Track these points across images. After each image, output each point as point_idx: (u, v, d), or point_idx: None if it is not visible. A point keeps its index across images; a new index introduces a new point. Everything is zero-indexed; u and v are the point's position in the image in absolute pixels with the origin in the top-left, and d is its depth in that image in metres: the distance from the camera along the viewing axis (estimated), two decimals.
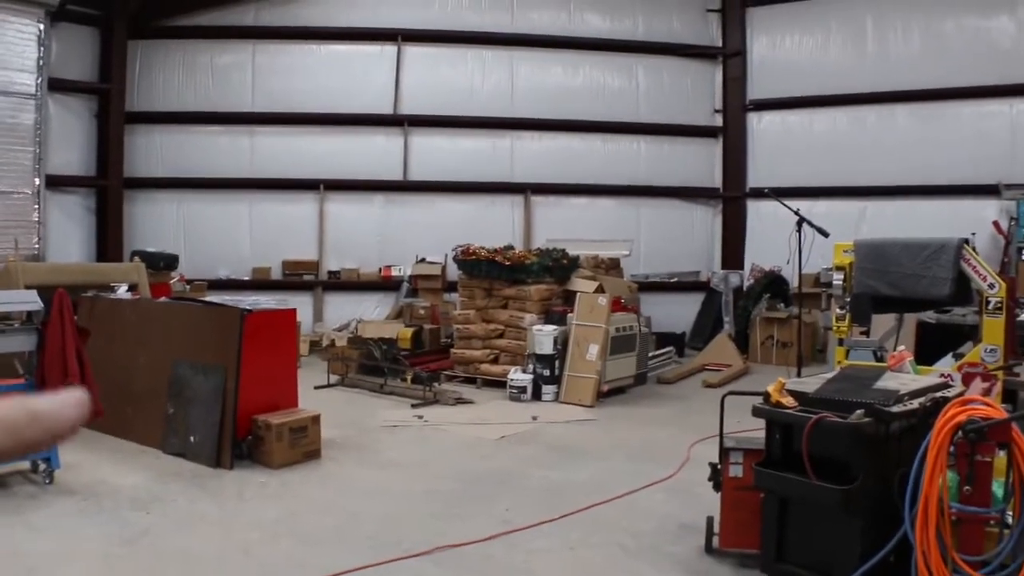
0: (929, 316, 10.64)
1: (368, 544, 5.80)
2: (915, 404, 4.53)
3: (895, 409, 4.41)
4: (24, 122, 13.33)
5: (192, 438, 7.83)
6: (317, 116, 15.79)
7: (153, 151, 15.76)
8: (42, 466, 6.99)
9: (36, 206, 13.44)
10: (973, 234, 9.35)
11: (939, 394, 4.73)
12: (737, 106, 16.49)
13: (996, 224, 13.70)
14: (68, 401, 0.98)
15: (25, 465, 7.11)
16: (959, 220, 12.15)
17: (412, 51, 16.14)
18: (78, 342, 6.85)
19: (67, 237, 14.66)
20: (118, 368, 8.48)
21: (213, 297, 9.83)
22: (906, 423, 4.49)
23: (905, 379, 5.19)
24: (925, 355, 7.93)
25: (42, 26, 13.42)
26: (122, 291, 9.62)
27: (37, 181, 13.43)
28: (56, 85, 14.13)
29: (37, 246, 13.42)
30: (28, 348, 6.83)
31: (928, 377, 5.60)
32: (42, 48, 13.39)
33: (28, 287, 8.01)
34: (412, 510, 6.60)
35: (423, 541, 5.82)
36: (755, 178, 16.17)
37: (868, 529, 4.41)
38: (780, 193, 11.13)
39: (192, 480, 7.22)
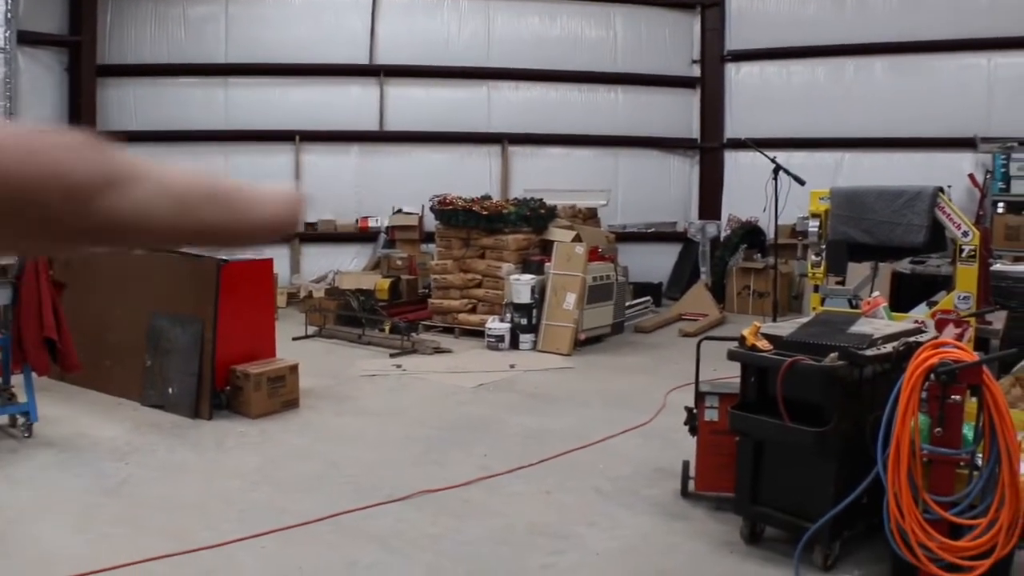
0: (904, 266, 10.72)
1: (348, 490, 5.85)
2: (888, 348, 4.58)
3: (869, 352, 4.47)
4: None
5: (170, 389, 7.83)
6: (292, 67, 15.59)
7: (126, 104, 15.55)
8: (20, 419, 6.98)
9: None
10: (949, 186, 9.39)
11: (912, 339, 4.78)
12: (715, 57, 16.39)
13: (972, 177, 13.75)
14: (275, 193, 0.93)
15: (3, 419, 7.10)
16: (935, 173, 12.16)
17: (387, 0, 15.97)
18: (54, 295, 6.80)
19: None
20: (95, 321, 8.44)
21: (188, 249, 9.76)
22: (879, 367, 4.55)
23: (879, 324, 5.25)
24: (900, 304, 8.02)
25: None
26: None
27: None
28: (25, 38, 13.84)
29: None
30: (3, 302, 6.77)
31: (902, 323, 5.66)
32: (10, 1, 13.13)
33: None
34: (391, 457, 6.65)
35: (403, 486, 5.87)
36: (733, 129, 16.12)
37: (841, 471, 4.48)
38: (758, 144, 11.13)
39: (171, 431, 7.24)
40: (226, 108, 15.68)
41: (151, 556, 4.73)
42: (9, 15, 13.08)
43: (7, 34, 13.10)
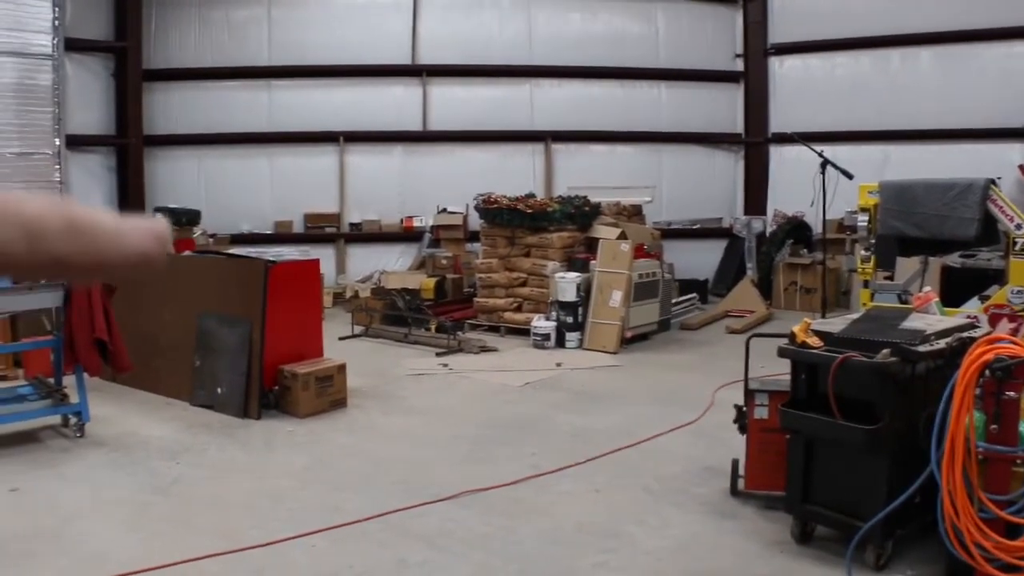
0: (954, 260, 10.56)
1: (397, 489, 5.88)
2: (941, 344, 4.51)
3: (921, 349, 4.40)
4: (42, 83, 13.27)
5: (219, 389, 7.91)
6: (334, 68, 15.68)
7: (172, 108, 15.71)
8: (72, 419, 7.09)
9: (57, 166, 13.42)
10: (999, 178, 9.22)
11: (965, 334, 4.71)
12: (758, 50, 16.26)
13: (1022, 168, 13.51)
14: (138, 227, 0.91)
15: (56, 419, 7.21)
16: (984, 164, 11.95)
17: (428, 0, 16.01)
18: (104, 297, 6.89)
19: (89, 196, 14.62)
20: (145, 322, 8.55)
21: (236, 251, 9.86)
22: (932, 363, 4.47)
23: (931, 320, 5.18)
24: (950, 299, 7.90)
25: None
26: None
27: (57, 141, 13.41)
28: (72, 45, 14.03)
29: None
30: (55, 304, 6.88)
31: (954, 318, 5.58)
32: (57, 8, 13.28)
33: None
34: (439, 455, 6.67)
35: (451, 485, 5.89)
36: (777, 123, 16.00)
37: (894, 469, 4.42)
38: (803, 138, 11.02)
39: (221, 430, 7.31)
40: (270, 110, 15.81)
41: (202, 555, 4.78)
42: (57, 23, 13.27)
43: (55, 41, 13.29)
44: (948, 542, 4.00)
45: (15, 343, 8.44)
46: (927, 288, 6.61)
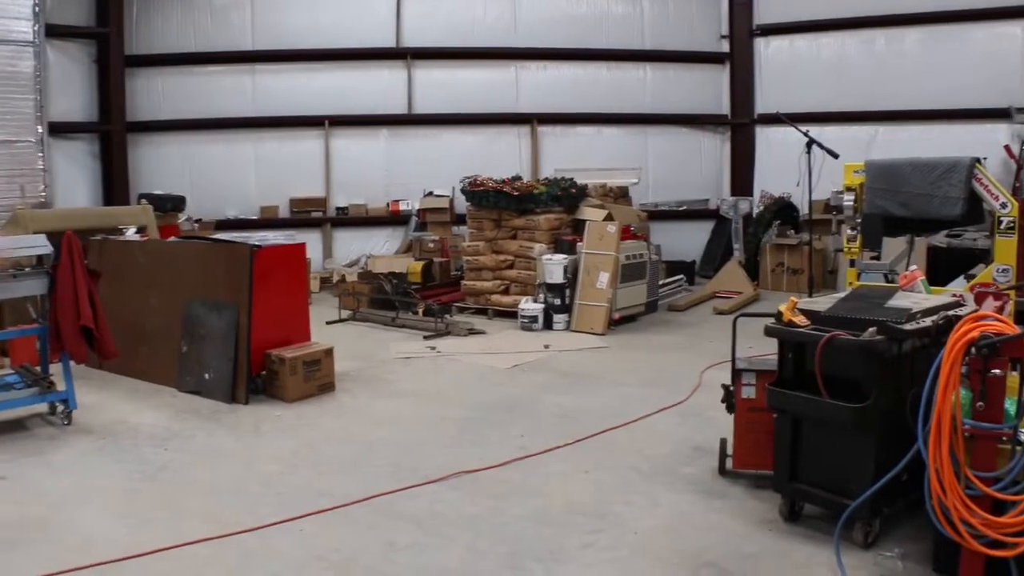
0: (940, 240, 10.61)
1: (385, 472, 5.88)
2: (928, 322, 4.52)
3: (908, 327, 4.41)
4: (23, 70, 13.18)
5: (207, 375, 7.89)
6: (319, 52, 15.61)
7: (155, 94, 15.61)
8: (59, 407, 7.06)
9: (40, 154, 13.34)
10: (984, 158, 9.25)
11: (951, 312, 4.72)
12: (744, 31, 16.23)
13: (1008, 148, 13.53)
14: None
15: (43, 407, 7.18)
16: (970, 144, 11.91)
17: None
18: (90, 284, 6.85)
19: (73, 184, 14.58)
20: (131, 309, 8.52)
21: (222, 236, 9.82)
22: (919, 341, 4.49)
23: (917, 298, 5.18)
24: (937, 278, 7.93)
25: None
26: (131, 233, 9.62)
27: (40, 129, 13.33)
28: (54, 31, 13.91)
29: (44, 194, 13.35)
30: (40, 292, 6.84)
31: (940, 297, 5.59)
32: None
33: (37, 234, 7.99)
34: (428, 438, 6.67)
35: (440, 467, 5.90)
36: (763, 104, 16.01)
37: (881, 447, 4.44)
38: (789, 118, 11.01)
39: (209, 416, 7.30)
40: (254, 95, 15.75)
41: (191, 540, 4.78)
42: (37, 8, 13.17)
43: (35, 28, 13.21)
44: (935, 519, 4.01)
45: (1, 331, 8.39)
46: (913, 267, 6.62)
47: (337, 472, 5.94)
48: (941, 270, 9.21)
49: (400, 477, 5.76)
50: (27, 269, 6.86)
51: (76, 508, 5.33)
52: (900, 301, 4.93)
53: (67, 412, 6.99)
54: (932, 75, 14.30)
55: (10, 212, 10.96)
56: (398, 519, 5.11)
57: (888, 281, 7.88)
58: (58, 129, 14.05)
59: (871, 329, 4.38)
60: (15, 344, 8.53)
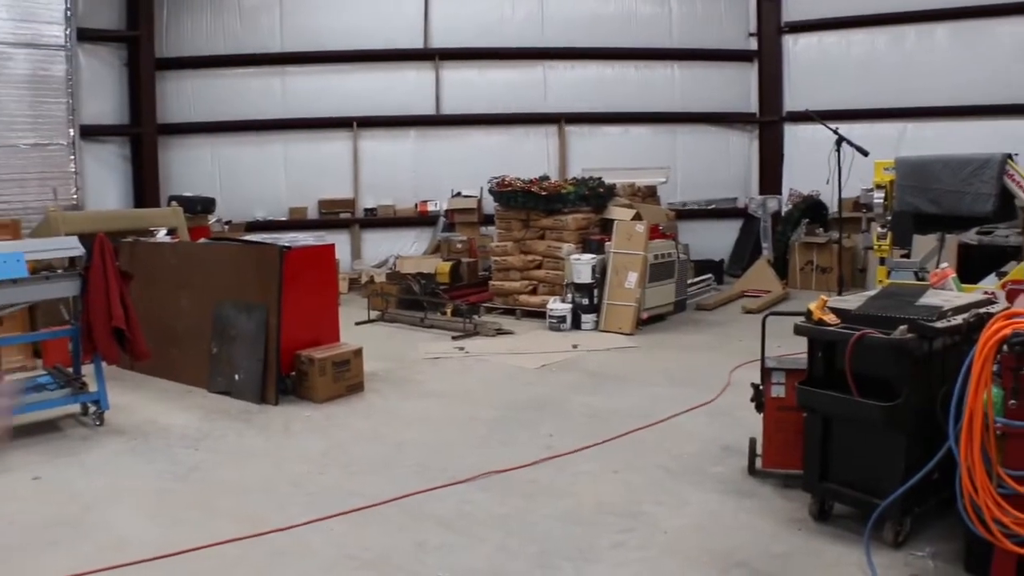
0: (971, 237, 10.51)
1: (414, 472, 5.90)
2: (959, 320, 4.49)
3: (939, 325, 4.38)
4: (55, 74, 13.33)
5: (237, 376, 7.94)
6: (347, 53, 15.68)
7: (185, 96, 15.74)
8: (92, 408, 7.13)
9: (72, 157, 13.48)
10: (1016, 154, 9.13)
11: (983, 310, 4.68)
12: (772, 29, 16.14)
13: None
14: None
15: (76, 408, 7.26)
16: (1000, 141, 11.77)
17: None
18: (121, 286, 6.91)
19: (104, 186, 14.74)
20: (161, 310, 8.59)
21: (251, 237, 9.88)
22: (950, 339, 4.46)
23: (948, 296, 5.15)
24: (968, 276, 7.86)
25: None
26: (162, 235, 9.70)
27: (72, 132, 13.47)
28: (85, 35, 14.06)
29: (75, 196, 13.49)
30: (72, 294, 6.90)
31: (972, 294, 5.54)
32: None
33: (69, 236, 8.07)
34: (456, 438, 6.69)
35: (469, 468, 5.91)
36: (792, 102, 15.91)
37: (912, 446, 4.41)
38: (818, 116, 10.94)
39: (239, 416, 7.35)
40: (283, 97, 15.83)
41: (222, 540, 4.81)
42: (69, 13, 13.31)
43: (67, 32, 13.34)
44: (967, 518, 3.98)
45: (34, 333, 8.49)
46: (944, 264, 6.57)
47: (367, 472, 5.96)
48: (972, 267, 9.13)
49: (429, 477, 5.77)
50: (59, 271, 6.93)
51: (109, 508, 5.38)
52: (931, 299, 4.90)
53: (99, 413, 7.06)
54: (962, 71, 14.17)
55: (43, 214, 11.09)
56: (428, 519, 5.12)
57: (919, 279, 7.83)
58: (89, 132, 14.19)
59: (902, 327, 4.35)
60: (48, 345, 8.64)
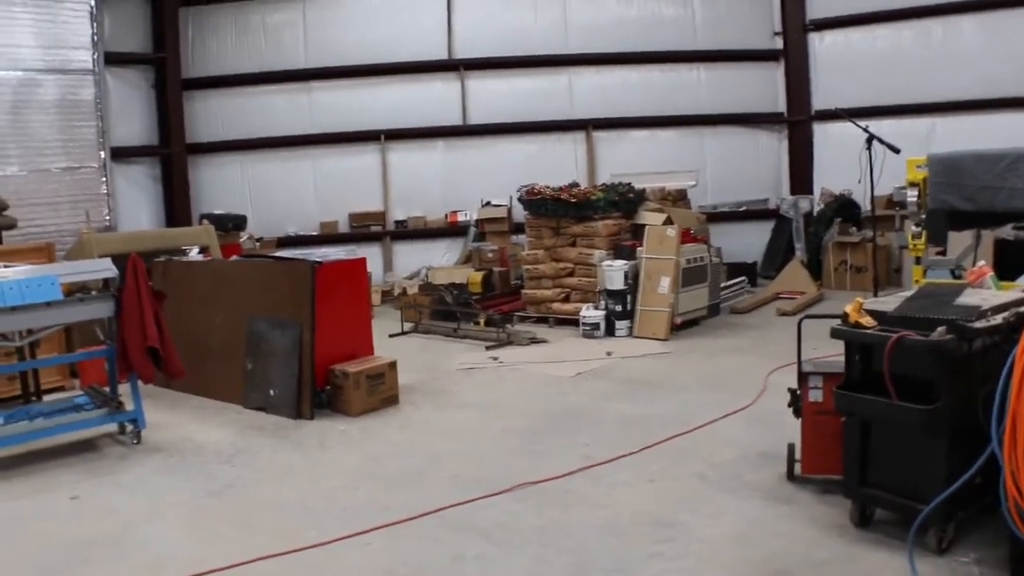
0: (1007, 233, 10.36)
1: (451, 484, 5.89)
2: (999, 319, 4.41)
3: (978, 325, 4.31)
4: (84, 98, 13.53)
5: (272, 391, 7.97)
6: (372, 67, 15.75)
7: (212, 116, 15.88)
8: (129, 427, 7.18)
9: (103, 179, 13.67)
10: None
11: (1023, 308, 4.60)
12: (797, 27, 16.03)
13: None
14: None
15: (113, 427, 7.31)
16: None
17: None
18: (155, 305, 6.96)
19: (136, 207, 14.90)
20: (195, 328, 8.64)
21: (283, 253, 9.92)
22: (990, 339, 4.38)
23: (987, 295, 5.07)
24: (1005, 273, 7.72)
25: (93, 2, 13.51)
26: (194, 253, 9.77)
27: (102, 154, 13.65)
28: (112, 59, 14.26)
29: (108, 218, 13.67)
30: (107, 314, 6.95)
31: (1011, 292, 5.46)
32: (95, 24, 13.51)
33: (102, 258, 8.14)
34: (492, 449, 6.67)
35: (505, 479, 5.89)
36: (820, 100, 15.79)
37: (953, 449, 4.34)
38: (847, 114, 10.84)
39: (274, 432, 7.37)
40: (310, 112, 15.92)
41: (260, 556, 4.82)
42: (96, 38, 13.50)
43: (95, 56, 13.56)
44: (1012, 523, 3.91)
45: (70, 354, 8.57)
46: (981, 262, 6.47)
47: (403, 485, 5.96)
48: (1009, 264, 8.97)
49: (465, 489, 5.76)
50: (94, 293, 6.99)
51: (147, 525, 5.41)
52: (969, 298, 4.82)
53: (136, 431, 7.11)
54: (990, 63, 13.99)
55: (76, 237, 11.20)
56: (465, 531, 5.11)
57: (956, 277, 7.73)
58: (120, 154, 14.36)
59: (940, 328, 4.29)
60: (84, 366, 8.70)
